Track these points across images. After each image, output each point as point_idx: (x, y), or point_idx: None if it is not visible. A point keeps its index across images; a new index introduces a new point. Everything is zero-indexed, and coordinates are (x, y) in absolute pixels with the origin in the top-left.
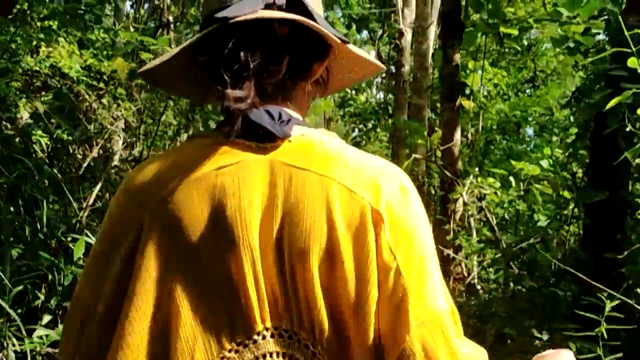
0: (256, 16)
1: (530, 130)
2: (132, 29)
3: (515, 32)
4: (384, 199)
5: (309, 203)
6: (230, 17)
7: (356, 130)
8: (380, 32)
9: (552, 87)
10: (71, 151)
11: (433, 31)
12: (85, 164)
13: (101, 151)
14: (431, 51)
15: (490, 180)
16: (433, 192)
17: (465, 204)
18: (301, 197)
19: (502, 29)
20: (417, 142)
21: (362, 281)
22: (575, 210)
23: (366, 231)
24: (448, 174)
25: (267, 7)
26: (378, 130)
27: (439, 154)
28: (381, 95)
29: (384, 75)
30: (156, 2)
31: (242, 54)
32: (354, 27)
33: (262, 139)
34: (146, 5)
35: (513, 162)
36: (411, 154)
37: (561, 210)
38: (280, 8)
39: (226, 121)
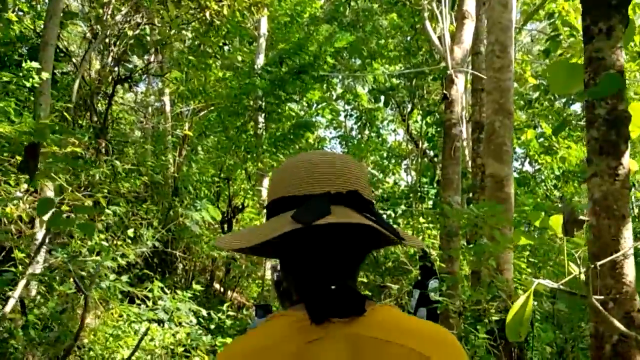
0: (337, 221)
1: None
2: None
3: None
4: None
5: None
6: (310, 220)
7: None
8: (409, 105)
9: None
10: None
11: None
12: None
13: None
14: (512, 85)
15: None
16: None
17: None
18: None
19: None
20: (499, 246)
21: None
22: None
23: None
24: (620, 325)
25: (333, 199)
26: (422, 219)
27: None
28: (412, 176)
29: (413, 154)
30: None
31: (321, 252)
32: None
33: (344, 315)
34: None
35: None
36: (481, 261)
37: None
38: (343, 199)
39: (309, 299)
